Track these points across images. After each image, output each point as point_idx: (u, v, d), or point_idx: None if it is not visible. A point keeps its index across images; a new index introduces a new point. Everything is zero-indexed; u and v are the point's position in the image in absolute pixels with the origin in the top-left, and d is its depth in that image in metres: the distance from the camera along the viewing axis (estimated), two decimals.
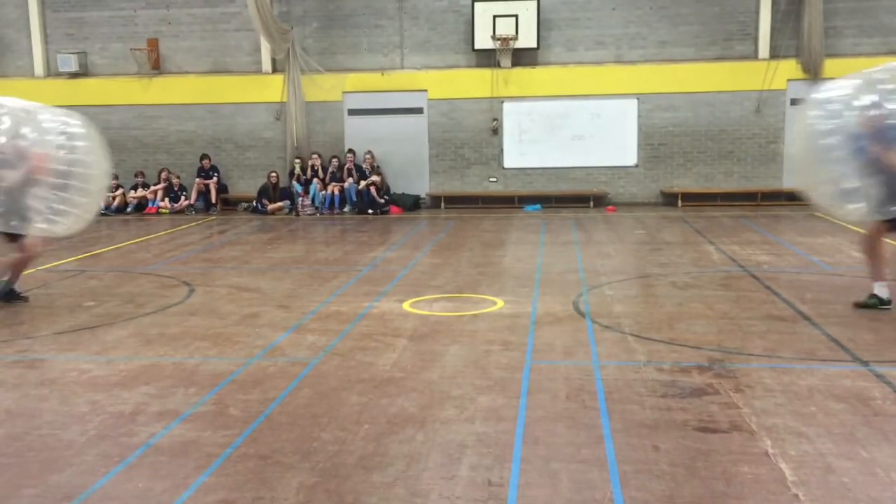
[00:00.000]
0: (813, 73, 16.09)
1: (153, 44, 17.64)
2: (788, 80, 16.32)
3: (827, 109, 7.31)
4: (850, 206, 7.28)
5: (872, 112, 6.90)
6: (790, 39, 16.25)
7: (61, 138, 7.89)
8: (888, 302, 7.29)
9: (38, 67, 17.97)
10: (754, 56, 16.44)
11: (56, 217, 7.84)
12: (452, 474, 4.08)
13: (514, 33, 16.22)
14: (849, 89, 7.22)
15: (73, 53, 17.61)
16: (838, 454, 4.24)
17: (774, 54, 16.28)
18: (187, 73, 17.72)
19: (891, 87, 6.99)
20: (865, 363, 5.78)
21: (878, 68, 7.32)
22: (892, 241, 7.46)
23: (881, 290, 7.34)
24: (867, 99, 6.99)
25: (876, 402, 4.99)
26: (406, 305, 7.85)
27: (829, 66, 16.05)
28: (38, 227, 7.88)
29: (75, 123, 8.17)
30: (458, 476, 4.06)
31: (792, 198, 16.43)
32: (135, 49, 17.57)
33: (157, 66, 17.70)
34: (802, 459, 4.19)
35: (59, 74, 17.82)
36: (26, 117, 7.83)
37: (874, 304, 7.30)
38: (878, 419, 4.73)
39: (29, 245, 8.03)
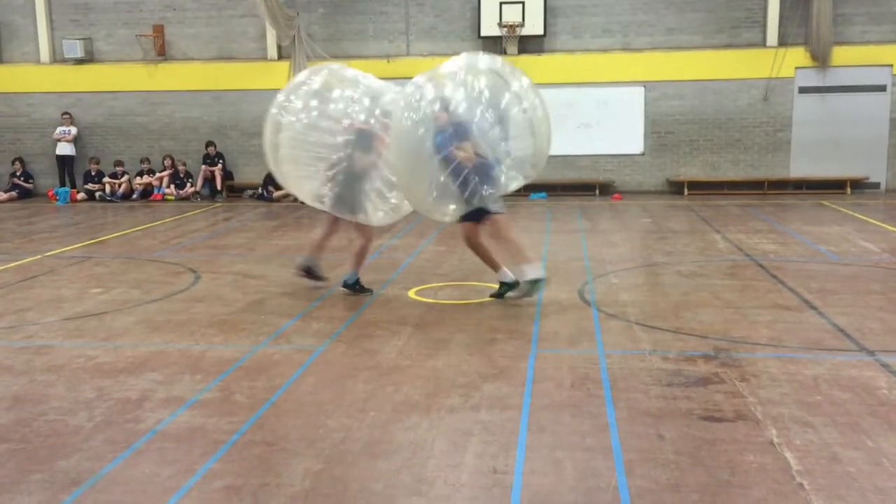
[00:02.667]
0: (821, 61, 16.01)
1: (159, 30, 17.61)
2: (797, 67, 16.22)
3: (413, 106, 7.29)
4: (394, 193, 7.59)
5: (439, 110, 6.99)
6: (799, 27, 16.13)
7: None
8: (513, 286, 7.40)
9: (44, 53, 17.96)
10: (762, 43, 16.33)
11: (390, 212, 7.65)
12: (457, 462, 4.09)
13: (520, 20, 16.15)
14: (422, 86, 7.23)
15: (78, 39, 17.59)
16: (844, 444, 4.24)
17: (783, 42, 16.18)
18: (193, 59, 17.69)
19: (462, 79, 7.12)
20: (872, 353, 5.77)
21: (448, 64, 7.41)
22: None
23: (528, 271, 7.33)
24: (440, 94, 7.05)
25: (882, 392, 4.99)
26: (411, 293, 7.85)
27: (838, 53, 15.97)
28: (371, 216, 7.63)
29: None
30: (463, 463, 4.07)
31: (799, 186, 16.41)
32: (140, 35, 17.55)
33: (162, 53, 17.67)
34: (807, 449, 4.19)
35: (64, 60, 17.81)
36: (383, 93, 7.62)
37: (529, 289, 7.31)
38: (883, 409, 4.72)
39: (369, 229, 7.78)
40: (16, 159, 17.85)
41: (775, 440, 4.30)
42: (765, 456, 4.11)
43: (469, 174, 6.95)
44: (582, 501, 3.69)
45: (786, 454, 4.13)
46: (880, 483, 3.81)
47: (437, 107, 7.00)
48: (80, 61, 17.71)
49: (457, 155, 6.92)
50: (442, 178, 7.03)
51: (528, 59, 16.72)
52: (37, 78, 17.98)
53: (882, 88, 16.15)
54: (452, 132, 6.95)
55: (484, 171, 7.02)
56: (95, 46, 17.93)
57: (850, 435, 4.35)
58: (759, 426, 4.49)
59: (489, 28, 16.29)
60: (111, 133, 18.09)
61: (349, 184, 7.47)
